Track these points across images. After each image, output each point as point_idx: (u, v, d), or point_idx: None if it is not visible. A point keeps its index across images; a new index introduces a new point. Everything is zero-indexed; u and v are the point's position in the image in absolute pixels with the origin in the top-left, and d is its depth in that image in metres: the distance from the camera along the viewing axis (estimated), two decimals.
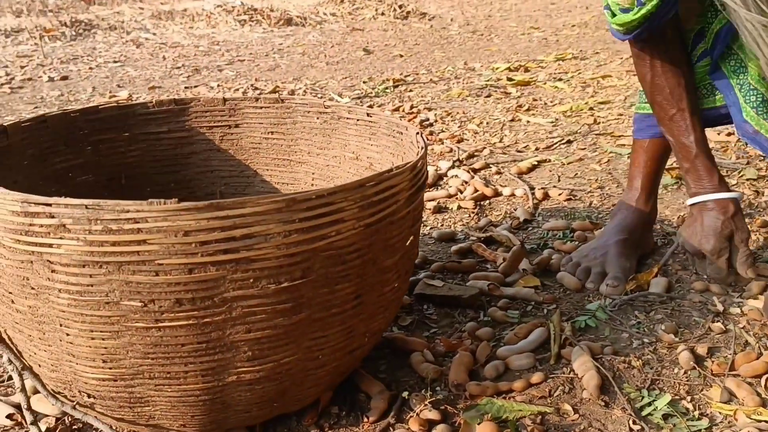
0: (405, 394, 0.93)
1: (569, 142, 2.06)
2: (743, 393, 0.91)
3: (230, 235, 0.70)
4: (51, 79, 3.35)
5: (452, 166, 1.86)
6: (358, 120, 1.15)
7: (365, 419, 0.91)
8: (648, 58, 1.12)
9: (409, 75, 3.24)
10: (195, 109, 1.23)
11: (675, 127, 1.13)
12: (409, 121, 2.37)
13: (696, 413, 0.90)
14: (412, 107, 2.57)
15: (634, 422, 0.89)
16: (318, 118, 1.20)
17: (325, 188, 0.74)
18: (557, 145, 2.04)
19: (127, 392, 0.78)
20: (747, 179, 1.69)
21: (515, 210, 1.57)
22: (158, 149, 1.23)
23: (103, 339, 0.74)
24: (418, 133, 0.98)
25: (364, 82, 3.09)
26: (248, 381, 0.78)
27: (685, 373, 0.97)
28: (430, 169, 1.83)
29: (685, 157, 1.14)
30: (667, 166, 1.72)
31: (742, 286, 1.19)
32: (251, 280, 0.72)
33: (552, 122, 2.27)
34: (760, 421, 0.87)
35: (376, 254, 0.82)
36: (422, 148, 0.91)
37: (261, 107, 1.23)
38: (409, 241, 0.89)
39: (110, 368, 0.76)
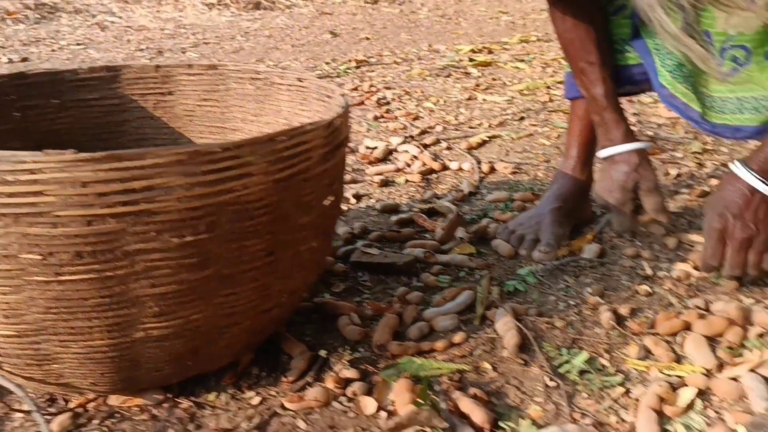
0: (322, 352, 0.93)
1: (522, 118, 2.07)
2: (659, 350, 0.92)
3: (129, 187, 0.69)
4: (11, 61, 3.29)
5: (403, 142, 1.85)
6: (290, 85, 1.14)
7: (284, 379, 0.91)
8: (560, 12, 1.13)
9: (372, 57, 3.23)
10: (127, 76, 1.21)
11: (585, 79, 1.14)
12: (366, 99, 2.36)
13: (612, 370, 0.91)
14: (371, 86, 2.56)
15: (551, 379, 0.89)
16: (251, 85, 1.19)
17: (231, 141, 0.74)
18: (510, 121, 2.05)
19: (33, 349, 0.77)
20: (693, 152, 1.71)
21: (461, 183, 1.58)
22: (90, 117, 1.21)
23: (3, 294, 0.73)
24: (342, 94, 0.97)
25: (326, 63, 3.07)
26: (157, 337, 0.78)
27: (606, 332, 0.99)
28: (381, 145, 1.83)
29: (595, 110, 1.15)
30: None
31: (649, 232, 1.23)
32: (153, 234, 0.72)
33: (508, 100, 2.27)
34: (671, 375, 0.88)
35: (288, 211, 0.81)
36: (342, 107, 0.90)
37: (194, 74, 1.21)
38: (328, 201, 0.89)
39: (13, 324, 0.75)
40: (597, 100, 1.14)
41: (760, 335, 0.94)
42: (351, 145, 1.89)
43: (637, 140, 1.15)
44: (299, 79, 1.13)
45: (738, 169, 1.00)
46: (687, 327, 0.96)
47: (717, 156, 1.68)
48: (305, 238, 0.86)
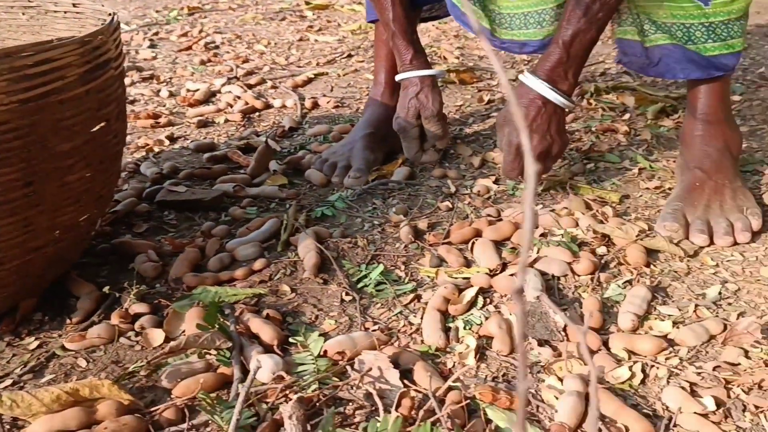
0: (106, 289, 0.88)
1: (350, 56, 2.06)
2: (452, 257, 0.95)
3: None
4: None
5: (227, 83, 1.79)
6: (65, 12, 1.05)
7: (70, 321, 0.86)
8: None
9: (207, 3, 3.07)
10: None
11: (378, 5, 1.15)
12: (194, 44, 2.26)
13: (407, 279, 0.93)
14: (200, 32, 2.45)
15: (347, 293, 0.90)
16: (24, 14, 1.08)
17: None
18: (338, 59, 2.03)
19: None
20: (509, 80, 1.77)
21: (283, 120, 1.54)
22: None
23: None
24: (111, 13, 0.90)
25: (156, 11, 2.90)
26: None
27: (405, 246, 1.01)
28: (202, 86, 1.75)
29: (388, 35, 1.17)
30: None
31: (430, 164, 1.24)
32: None
33: (339, 40, 2.25)
34: (458, 278, 0.91)
35: (44, 137, 0.75)
36: (105, 24, 0.84)
37: None
38: (97, 127, 0.83)
39: None
40: (389, 25, 1.15)
41: (542, 235, 0.99)
42: (172, 89, 1.80)
43: (427, 67, 1.17)
44: (74, 5, 1.04)
45: (527, 78, 1.02)
46: (478, 234, 1.00)
47: None
48: (72, 167, 0.80)
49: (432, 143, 1.21)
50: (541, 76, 1.00)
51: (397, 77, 1.18)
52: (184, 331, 0.83)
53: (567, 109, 1.04)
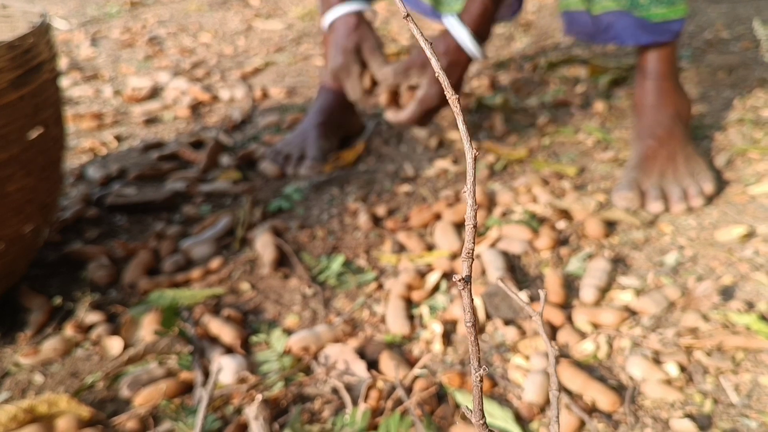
0: (58, 300, 0.85)
1: (299, 43, 2.02)
2: (412, 242, 0.94)
3: None
4: None
5: (173, 78, 1.74)
6: None
7: (22, 335, 0.83)
8: None
9: None
10: None
11: None
12: (136, 40, 2.19)
13: (368, 268, 0.92)
14: (143, 27, 2.38)
15: (309, 286, 0.89)
16: None
17: None
18: (287, 46, 2.00)
19: None
20: None
21: (233, 112, 1.51)
22: None
23: None
24: (42, 14, 0.86)
25: (96, 8, 2.81)
26: None
27: (365, 234, 0.99)
28: (146, 83, 1.70)
29: None
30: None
31: (414, 137, 1.19)
32: None
33: (287, 27, 2.21)
34: (419, 263, 0.90)
35: None
36: (36, 26, 0.80)
37: None
38: (35, 133, 0.80)
39: None
40: None
41: (503, 214, 0.99)
42: (116, 87, 1.75)
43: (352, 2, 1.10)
44: (3, 6, 0.99)
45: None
46: (437, 217, 0.99)
47: (481, 60, 1.75)
48: (11, 177, 0.77)
49: (381, 78, 1.07)
50: (470, 25, 0.99)
51: (325, 20, 1.10)
52: (143, 338, 0.80)
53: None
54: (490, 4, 0.98)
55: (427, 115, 1.03)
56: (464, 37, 0.98)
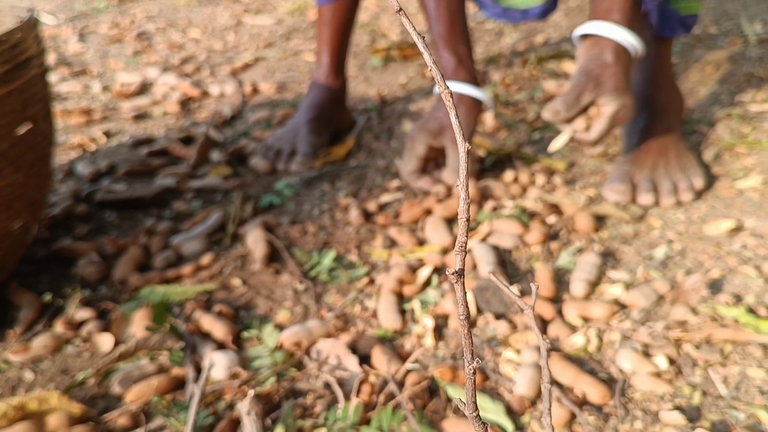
0: (48, 297, 0.85)
1: (289, 38, 2.02)
2: (403, 237, 0.95)
3: None
4: None
5: (162, 73, 1.73)
6: None
7: (12, 332, 0.82)
8: None
9: None
10: None
11: (428, 7, 1.02)
12: (125, 35, 2.18)
13: (360, 263, 0.92)
14: (132, 22, 2.37)
15: (301, 282, 0.89)
16: None
17: None
18: (277, 42, 1.99)
19: None
20: None
21: (223, 108, 1.51)
22: None
23: None
24: (30, 9, 0.86)
25: (83, 4, 2.79)
26: None
27: (356, 230, 0.99)
28: (135, 78, 1.69)
29: (435, 44, 1.03)
30: (375, 48, 1.75)
31: (415, 187, 1.05)
32: None
33: (276, 22, 2.21)
34: (411, 258, 0.91)
35: None
36: (23, 22, 0.79)
37: None
38: (23, 129, 0.79)
39: None
40: (435, 32, 1.02)
41: (494, 208, 0.99)
42: (105, 83, 1.74)
43: (478, 86, 1.02)
44: None
45: (602, 27, 0.89)
46: (428, 212, 0.99)
47: None
48: (0, 172, 0.76)
49: (453, 170, 1.01)
50: (621, 22, 0.89)
51: (442, 89, 1.03)
52: (135, 334, 0.80)
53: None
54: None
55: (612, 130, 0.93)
56: (627, 37, 0.88)
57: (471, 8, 1.15)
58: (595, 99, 0.88)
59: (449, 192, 1.03)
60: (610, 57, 0.88)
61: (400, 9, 0.28)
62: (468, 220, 0.29)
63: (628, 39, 0.88)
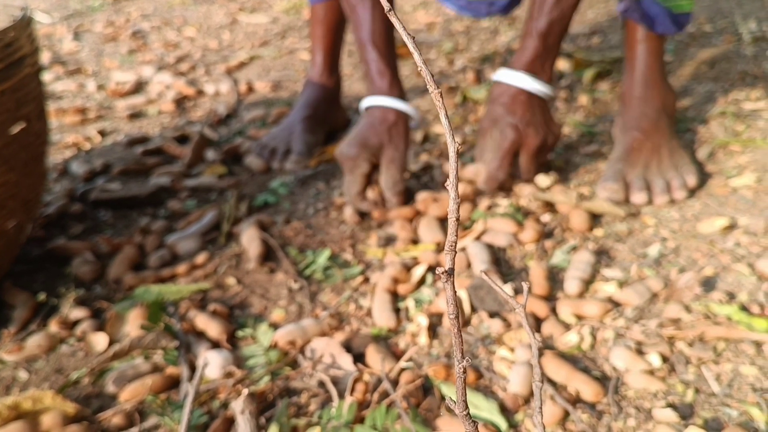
0: (42, 296, 0.85)
1: (284, 37, 2.02)
2: (403, 233, 0.95)
3: None
4: None
5: (157, 72, 1.73)
6: None
7: (7, 332, 0.82)
8: None
9: None
10: None
11: (353, 17, 1.02)
12: (120, 34, 2.17)
13: (354, 262, 0.92)
14: (127, 21, 2.36)
15: (295, 281, 0.89)
16: None
17: None
18: (273, 40, 1.99)
19: None
20: (446, 53, 1.77)
21: (218, 107, 1.50)
22: None
23: None
24: (23, 7, 0.86)
25: (78, 2, 2.78)
26: None
27: (351, 228, 1.00)
28: (130, 77, 1.69)
29: (362, 52, 1.02)
30: None
31: (363, 210, 1.01)
32: None
33: (271, 20, 2.20)
34: (405, 257, 0.91)
35: None
36: (17, 20, 0.79)
37: None
38: (17, 128, 0.79)
39: None
40: (364, 43, 1.01)
41: (489, 207, 0.99)
42: (100, 82, 1.73)
43: (402, 100, 1.01)
44: None
45: (504, 75, 0.97)
46: (420, 212, 0.99)
47: (467, 54, 1.75)
48: None
49: (387, 189, 0.99)
50: (520, 69, 0.97)
51: (367, 102, 1.01)
52: (129, 334, 0.80)
53: (548, 99, 1.00)
54: (554, 38, 0.96)
55: (544, 158, 1.01)
56: (527, 83, 0.96)
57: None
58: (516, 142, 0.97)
59: (384, 214, 1.00)
60: (520, 102, 0.96)
61: (391, 9, 0.28)
62: (458, 219, 0.29)
63: (541, 89, 0.97)
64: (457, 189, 0.28)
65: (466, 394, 0.30)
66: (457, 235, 0.29)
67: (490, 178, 0.98)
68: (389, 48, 1.01)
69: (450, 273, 0.29)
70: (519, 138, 0.97)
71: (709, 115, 1.20)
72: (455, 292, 0.30)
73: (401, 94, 1.02)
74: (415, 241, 0.94)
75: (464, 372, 0.30)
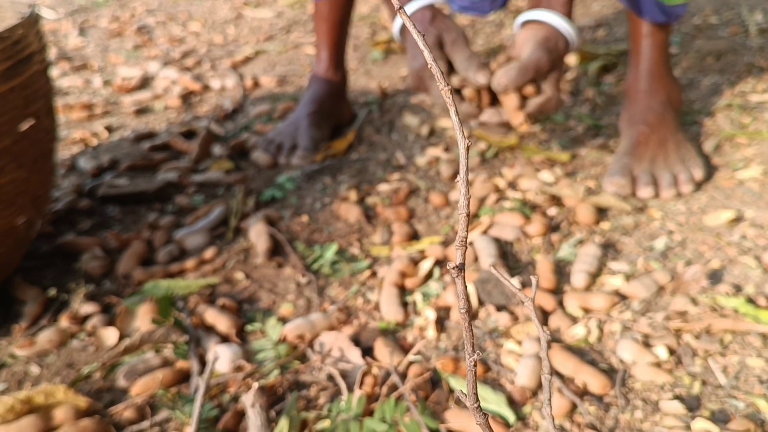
0: (52, 291, 0.86)
1: (289, 31, 2.02)
2: (402, 230, 0.95)
3: None
4: None
5: (163, 67, 1.73)
6: None
7: (17, 327, 0.83)
8: None
9: None
10: None
11: None
12: (125, 29, 2.18)
13: (362, 256, 0.93)
14: (132, 16, 2.36)
15: (303, 275, 0.89)
16: None
17: None
18: (278, 35, 1.99)
19: None
20: None
21: (224, 102, 1.51)
22: None
23: None
24: (30, 5, 0.86)
25: None
26: None
27: (357, 222, 1.00)
28: (136, 72, 1.70)
29: None
30: (376, 41, 1.75)
31: (404, 124, 1.00)
32: None
33: (276, 15, 2.20)
34: (412, 251, 0.91)
35: None
36: (24, 17, 0.80)
37: None
38: (26, 125, 0.80)
39: None
40: None
41: (497, 201, 1.00)
42: (106, 77, 1.74)
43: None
44: None
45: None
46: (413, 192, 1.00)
47: (472, 47, 1.75)
48: (2, 169, 0.77)
49: (468, 67, 0.91)
50: (566, 14, 0.93)
51: (396, 23, 1.00)
52: (139, 328, 0.81)
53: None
54: None
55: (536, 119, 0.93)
56: (570, 30, 0.90)
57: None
58: (537, 81, 0.90)
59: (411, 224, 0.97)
60: (562, 47, 0.91)
61: (401, 8, 0.29)
62: (468, 215, 0.29)
63: (571, 32, 0.91)
64: (467, 185, 0.28)
65: (477, 387, 0.31)
66: (467, 231, 0.29)
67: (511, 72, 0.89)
68: None
69: (461, 268, 0.29)
70: (547, 68, 0.90)
71: (715, 108, 1.20)
72: (466, 287, 0.30)
73: None
74: (415, 234, 0.95)
75: (475, 365, 0.30)
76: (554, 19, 0.91)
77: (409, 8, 0.97)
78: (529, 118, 0.92)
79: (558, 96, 0.92)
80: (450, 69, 0.94)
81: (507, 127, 0.90)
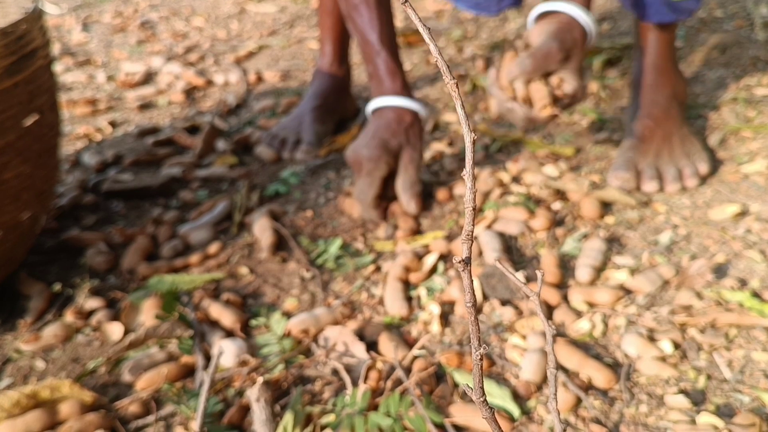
0: (57, 286, 0.86)
1: (293, 26, 2.01)
2: (407, 224, 0.95)
3: None
4: None
5: (166, 62, 1.73)
6: None
7: (23, 322, 0.83)
8: None
9: None
10: None
11: (360, 21, 0.99)
12: (128, 24, 2.18)
13: (366, 251, 0.92)
14: (135, 11, 2.36)
15: (307, 270, 0.89)
16: None
17: None
18: (281, 29, 1.99)
19: None
20: (455, 40, 1.76)
21: (228, 97, 1.51)
22: None
23: None
24: (35, 1, 0.86)
25: None
26: None
27: (361, 217, 1.00)
28: (139, 68, 1.70)
29: (371, 54, 0.99)
30: None
31: (373, 220, 0.97)
32: None
33: (280, 9, 2.20)
34: (416, 246, 0.91)
35: None
36: (28, 12, 0.80)
37: None
38: (30, 120, 0.80)
39: None
40: (371, 44, 0.99)
41: (501, 195, 0.99)
42: (109, 73, 1.74)
43: (414, 99, 0.99)
44: None
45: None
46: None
47: (476, 41, 1.75)
48: (7, 164, 0.77)
49: (405, 191, 0.96)
50: (584, 4, 0.92)
51: (375, 104, 0.99)
52: (144, 323, 0.81)
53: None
54: None
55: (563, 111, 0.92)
56: (590, 22, 0.90)
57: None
58: (552, 70, 0.89)
59: (416, 219, 0.97)
60: (578, 36, 0.90)
61: (406, 1, 0.29)
62: (474, 209, 0.29)
63: (588, 22, 0.90)
64: (473, 179, 0.28)
65: (483, 381, 0.31)
66: (473, 225, 0.29)
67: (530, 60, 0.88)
68: (396, 47, 1.00)
69: (467, 262, 0.29)
70: (560, 57, 0.89)
71: (721, 102, 1.20)
72: (472, 281, 0.30)
73: (411, 94, 1.00)
74: (419, 229, 0.95)
75: (481, 359, 0.30)
76: (570, 8, 0.90)
77: (391, 101, 0.98)
78: (557, 109, 0.90)
79: (582, 85, 0.90)
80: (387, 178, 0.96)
81: (534, 121, 0.89)
